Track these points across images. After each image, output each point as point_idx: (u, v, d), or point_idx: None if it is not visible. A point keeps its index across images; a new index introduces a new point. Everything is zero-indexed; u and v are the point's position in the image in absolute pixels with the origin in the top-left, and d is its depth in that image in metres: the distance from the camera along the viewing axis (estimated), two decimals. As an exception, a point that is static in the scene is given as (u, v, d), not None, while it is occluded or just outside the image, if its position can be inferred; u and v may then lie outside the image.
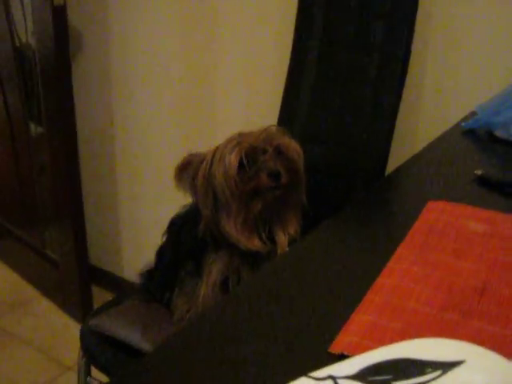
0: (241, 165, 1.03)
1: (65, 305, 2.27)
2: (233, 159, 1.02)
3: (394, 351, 0.47)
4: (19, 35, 2.15)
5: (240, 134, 1.07)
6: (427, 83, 1.45)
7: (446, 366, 0.45)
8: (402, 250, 0.68)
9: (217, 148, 1.05)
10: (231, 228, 1.03)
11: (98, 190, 2.30)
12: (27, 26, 2.06)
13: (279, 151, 1.06)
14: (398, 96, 1.32)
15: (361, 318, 0.54)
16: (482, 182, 0.91)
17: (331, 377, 0.44)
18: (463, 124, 1.19)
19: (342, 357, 0.49)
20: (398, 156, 1.28)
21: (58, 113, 1.98)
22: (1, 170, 2.53)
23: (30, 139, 2.27)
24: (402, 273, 0.63)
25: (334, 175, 1.42)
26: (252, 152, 1.04)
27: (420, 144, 1.15)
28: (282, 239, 1.07)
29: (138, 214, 2.22)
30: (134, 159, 2.15)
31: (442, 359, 0.46)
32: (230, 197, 1.03)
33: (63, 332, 2.16)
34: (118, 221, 2.30)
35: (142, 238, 2.22)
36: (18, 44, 2.17)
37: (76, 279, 2.16)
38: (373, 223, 0.80)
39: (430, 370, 0.45)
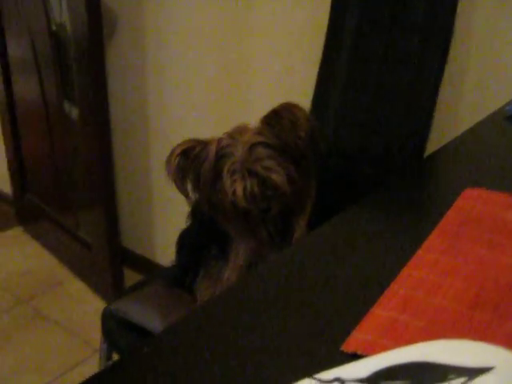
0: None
1: (97, 287, 2.27)
2: (239, 193, 0.98)
3: (414, 353, 0.42)
4: (54, 16, 2.13)
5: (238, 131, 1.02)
6: (470, 67, 1.37)
7: (473, 373, 0.40)
8: (432, 240, 0.62)
9: (219, 141, 1.00)
10: (229, 228, 1.00)
11: (132, 173, 2.29)
12: (62, 6, 2.04)
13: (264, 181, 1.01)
14: (439, 78, 1.25)
15: (380, 314, 0.49)
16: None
17: (338, 379, 0.39)
18: (507, 108, 1.12)
19: (355, 356, 0.44)
20: (437, 143, 1.20)
21: (91, 94, 1.96)
22: (37, 151, 2.54)
23: (64, 121, 2.26)
24: (431, 264, 0.57)
25: (369, 160, 1.36)
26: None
27: (461, 130, 1.08)
28: (297, 230, 1.02)
29: (171, 198, 2.20)
30: (167, 143, 2.12)
31: (469, 364, 0.40)
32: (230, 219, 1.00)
33: (94, 314, 2.15)
34: (151, 204, 2.28)
35: (175, 222, 2.18)
36: (53, 25, 2.16)
37: (108, 261, 2.15)
38: (402, 209, 0.74)
39: (452, 376, 0.39)
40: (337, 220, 0.70)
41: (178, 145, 1.01)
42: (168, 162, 1.00)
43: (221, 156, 1.00)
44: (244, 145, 1.00)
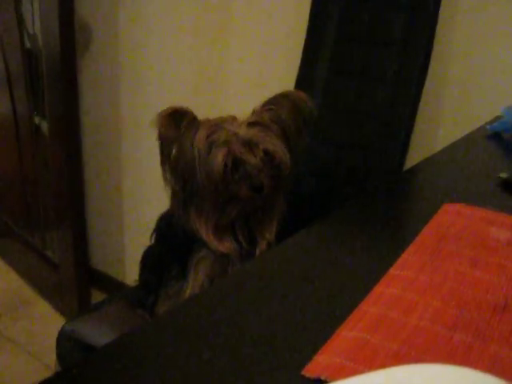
0: (225, 168, 0.93)
1: (63, 308, 2.18)
2: (218, 162, 0.92)
3: (385, 378, 0.36)
4: (27, 27, 2.08)
5: (225, 125, 0.95)
6: (450, 84, 1.34)
7: (453, 403, 0.34)
8: (407, 256, 0.57)
9: (208, 121, 0.95)
10: (201, 227, 0.93)
11: (102, 192, 2.22)
12: (34, 17, 1.99)
13: (266, 154, 0.96)
14: (418, 94, 1.22)
15: (347, 335, 0.43)
16: (507, 186, 0.80)
17: (296, 409, 0.33)
18: (488, 126, 1.08)
19: (318, 382, 0.38)
20: (416, 160, 1.17)
21: (61, 107, 1.90)
22: (5, 168, 2.46)
23: (34, 136, 2.20)
24: (406, 282, 0.51)
25: (346, 174, 1.31)
26: (237, 155, 0.93)
27: (441, 147, 1.04)
28: (261, 243, 0.96)
29: (142, 218, 2.13)
30: (139, 161, 2.06)
31: (448, 392, 0.35)
32: (206, 197, 0.93)
33: (59, 337, 2.06)
34: (121, 223, 2.21)
35: (146, 242, 2.12)
36: (25, 39, 2.10)
37: (74, 282, 2.07)
38: (376, 224, 0.69)
39: (429, 406, 0.34)
40: (305, 232, 0.64)
41: (166, 108, 0.95)
42: (158, 121, 0.93)
43: (212, 132, 0.94)
44: (239, 123, 0.95)
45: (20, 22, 2.08)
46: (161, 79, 1.90)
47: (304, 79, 1.35)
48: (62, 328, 1.06)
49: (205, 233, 0.94)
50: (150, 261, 1.08)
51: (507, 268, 0.55)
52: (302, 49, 1.37)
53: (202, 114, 1.81)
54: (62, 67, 1.85)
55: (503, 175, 0.81)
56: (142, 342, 0.44)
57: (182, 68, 1.83)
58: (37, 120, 2.17)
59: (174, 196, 0.97)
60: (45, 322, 2.15)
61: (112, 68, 2.00)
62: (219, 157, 0.91)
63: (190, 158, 0.92)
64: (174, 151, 0.93)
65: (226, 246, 0.95)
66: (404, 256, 0.57)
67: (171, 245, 1.03)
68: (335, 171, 1.33)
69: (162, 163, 0.95)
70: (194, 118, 0.96)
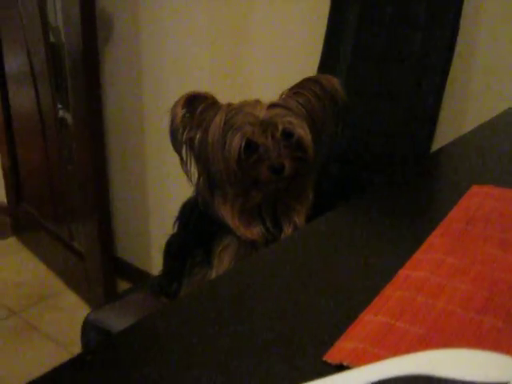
0: (244, 152, 0.91)
1: (90, 298, 2.20)
2: (235, 145, 0.89)
3: (411, 363, 0.35)
4: (50, 20, 2.09)
5: (246, 108, 0.93)
6: (476, 68, 1.30)
7: (483, 389, 0.32)
8: (434, 239, 0.55)
9: (229, 105, 0.93)
10: (227, 214, 0.91)
11: (127, 182, 2.23)
12: (56, 9, 1.99)
13: (287, 135, 0.93)
14: (444, 78, 1.18)
15: (372, 319, 0.42)
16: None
17: (317, 395, 0.32)
18: (516, 108, 1.05)
19: (340, 368, 0.37)
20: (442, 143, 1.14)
21: (84, 100, 1.91)
22: (32, 161, 2.49)
23: (59, 129, 2.21)
24: (433, 264, 0.50)
25: (372, 161, 1.29)
26: (254, 139, 0.91)
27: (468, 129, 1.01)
28: (287, 228, 0.94)
29: (167, 207, 2.13)
30: (163, 151, 2.06)
31: (477, 378, 0.33)
32: (227, 182, 0.91)
33: (86, 327, 2.08)
34: (146, 214, 2.21)
35: (171, 232, 2.12)
36: (50, 34, 2.11)
37: (101, 272, 2.08)
38: (402, 208, 0.67)
39: (458, 392, 0.32)
40: (332, 215, 0.62)
41: (184, 94, 0.93)
42: (172, 110, 0.92)
43: (231, 117, 0.92)
44: (261, 106, 0.93)
45: (43, 15, 2.08)
46: (182, 72, 1.89)
47: (327, 63, 1.33)
48: (87, 317, 1.06)
49: (231, 219, 0.93)
50: (174, 248, 1.07)
51: (539, 250, 0.52)
52: (324, 32, 1.35)
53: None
54: (85, 60, 1.85)
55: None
56: (159, 326, 0.43)
57: (203, 60, 1.82)
58: (62, 113, 2.19)
59: (201, 182, 0.96)
60: (72, 312, 2.17)
61: (134, 60, 2.00)
62: (235, 141, 0.89)
63: (210, 142, 0.90)
64: (197, 135, 0.92)
65: (254, 232, 0.94)
66: (430, 239, 0.55)
67: (195, 231, 1.02)
68: (361, 157, 1.31)
69: (179, 151, 0.94)
70: (215, 102, 0.94)
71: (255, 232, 0.94)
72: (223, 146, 0.90)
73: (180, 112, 0.90)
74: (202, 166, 0.93)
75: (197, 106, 0.92)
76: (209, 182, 0.93)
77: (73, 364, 0.38)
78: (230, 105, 0.94)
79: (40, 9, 2.07)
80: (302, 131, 0.92)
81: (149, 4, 1.90)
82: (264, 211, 0.96)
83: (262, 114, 0.91)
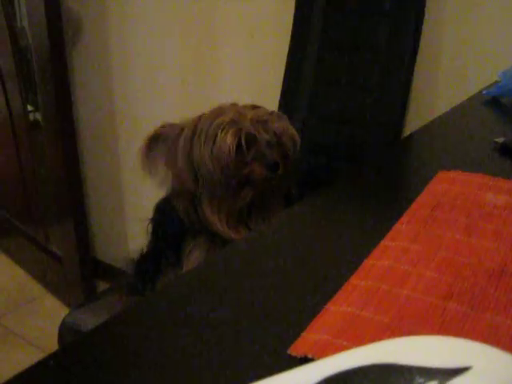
0: (237, 149, 0.90)
1: (69, 301, 2.18)
2: (229, 142, 0.89)
3: (374, 353, 0.34)
4: (16, 21, 2.05)
5: (230, 109, 0.93)
6: (444, 52, 1.30)
7: (445, 375, 0.32)
8: (400, 226, 0.55)
9: (199, 119, 0.92)
10: (213, 216, 0.91)
11: (102, 181, 2.20)
12: (21, 11, 1.96)
13: (276, 137, 0.93)
14: (412, 61, 1.19)
15: (337, 310, 0.42)
16: (504, 150, 0.77)
17: (279, 390, 0.31)
18: (484, 92, 1.06)
19: (305, 360, 0.36)
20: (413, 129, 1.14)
21: (53, 101, 1.88)
22: (4, 164, 2.45)
23: (30, 130, 2.18)
24: (399, 252, 0.50)
25: (345, 150, 1.29)
26: (248, 136, 0.90)
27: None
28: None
29: (144, 208, 2.11)
30: (136, 152, 2.04)
31: (441, 365, 0.33)
32: (217, 182, 0.90)
33: (67, 330, 2.06)
34: (123, 213, 2.19)
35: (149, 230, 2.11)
36: (15, 30, 2.08)
37: (79, 274, 2.07)
38: (368, 196, 0.66)
39: (421, 380, 0.32)
40: (300, 206, 0.62)
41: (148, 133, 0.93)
42: (142, 150, 0.92)
43: (216, 116, 0.92)
44: (245, 106, 0.93)
45: (8, 17, 2.05)
46: (151, 70, 1.87)
47: (296, 56, 1.33)
48: (63, 320, 1.05)
49: (219, 223, 0.92)
50: (147, 249, 1.06)
51: (504, 234, 0.53)
52: (291, 27, 1.34)
53: (192, 106, 1.80)
54: (52, 60, 1.83)
55: (499, 140, 0.79)
56: (129, 324, 0.43)
57: (172, 59, 1.81)
58: (34, 115, 2.16)
59: (183, 192, 0.95)
60: (52, 316, 2.15)
61: (103, 59, 1.98)
62: (229, 137, 0.88)
63: (198, 145, 0.90)
64: (181, 143, 0.92)
65: (241, 233, 0.93)
66: (396, 226, 0.55)
67: (167, 232, 1.01)
68: (333, 147, 1.31)
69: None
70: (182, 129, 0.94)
71: (242, 233, 0.93)
72: (214, 144, 0.89)
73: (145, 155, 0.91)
74: (191, 170, 0.93)
75: (160, 141, 0.92)
76: (194, 188, 0.92)
77: (36, 369, 0.38)
78: (210, 111, 0.94)
79: (5, 10, 2.04)
80: (293, 129, 0.93)
81: (116, 2, 1.88)
82: (253, 212, 0.95)
83: (250, 113, 0.91)
